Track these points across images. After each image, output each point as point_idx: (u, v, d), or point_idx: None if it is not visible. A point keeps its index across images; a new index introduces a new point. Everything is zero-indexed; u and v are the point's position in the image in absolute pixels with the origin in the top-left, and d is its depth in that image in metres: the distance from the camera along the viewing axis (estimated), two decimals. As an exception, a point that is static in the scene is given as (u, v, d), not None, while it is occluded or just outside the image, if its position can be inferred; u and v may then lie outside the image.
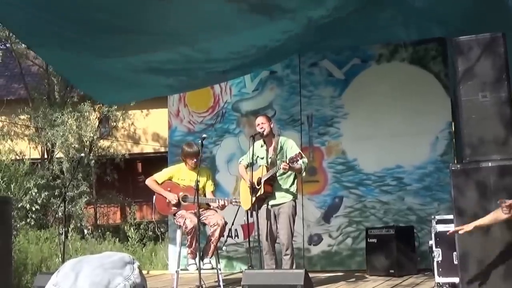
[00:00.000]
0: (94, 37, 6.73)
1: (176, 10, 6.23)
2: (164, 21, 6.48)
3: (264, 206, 6.82)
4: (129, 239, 13.12)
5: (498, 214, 4.59)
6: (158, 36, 6.85)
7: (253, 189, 6.66)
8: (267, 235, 6.79)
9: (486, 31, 5.36)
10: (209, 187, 7.10)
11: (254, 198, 6.64)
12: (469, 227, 4.68)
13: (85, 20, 6.31)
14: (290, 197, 6.83)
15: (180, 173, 7.11)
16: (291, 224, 6.78)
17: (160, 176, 7.19)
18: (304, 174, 7.02)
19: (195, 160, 6.98)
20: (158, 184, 7.09)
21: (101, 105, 16.68)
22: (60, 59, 7.57)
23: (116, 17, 6.26)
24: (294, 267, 6.79)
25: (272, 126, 7.01)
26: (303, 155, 6.63)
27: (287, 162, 6.49)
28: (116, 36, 6.73)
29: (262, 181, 6.72)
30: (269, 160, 6.88)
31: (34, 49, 7.31)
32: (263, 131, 6.85)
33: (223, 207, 6.91)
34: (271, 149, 6.93)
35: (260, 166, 6.91)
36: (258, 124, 6.94)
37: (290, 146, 6.90)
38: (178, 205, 6.98)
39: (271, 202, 6.82)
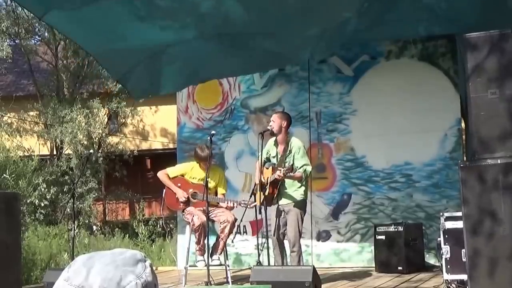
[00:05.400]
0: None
1: None
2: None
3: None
4: (139, 235, 13.16)
5: None
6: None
7: (262, 187, 6.65)
8: (275, 231, 6.80)
9: (495, 28, 5.34)
10: (221, 190, 7.07)
11: (262, 195, 6.63)
12: None
13: None
14: (298, 198, 6.75)
15: (193, 172, 7.10)
16: (298, 223, 6.74)
17: (173, 171, 7.18)
18: (303, 182, 6.81)
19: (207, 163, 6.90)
20: (169, 178, 7.09)
21: (110, 101, 16.75)
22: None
23: None
24: (302, 264, 6.79)
25: (284, 125, 6.83)
26: (308, 163, 6.74)
27: (282, 173, 6.42)
28: None
29: (268, 182, 6.68)
30: (278, 161, 6.81)
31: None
32: (272, 128, 6.80)
33: (231, 208, 6.90)
34: (281, 149, 6.86)
35: (271, 164, 6.82)
36: (269, 121, 6.93)
37: (297, 151, 6.77)
38: (187, 202, 6.99)
39: (280, 202, 6.80)
